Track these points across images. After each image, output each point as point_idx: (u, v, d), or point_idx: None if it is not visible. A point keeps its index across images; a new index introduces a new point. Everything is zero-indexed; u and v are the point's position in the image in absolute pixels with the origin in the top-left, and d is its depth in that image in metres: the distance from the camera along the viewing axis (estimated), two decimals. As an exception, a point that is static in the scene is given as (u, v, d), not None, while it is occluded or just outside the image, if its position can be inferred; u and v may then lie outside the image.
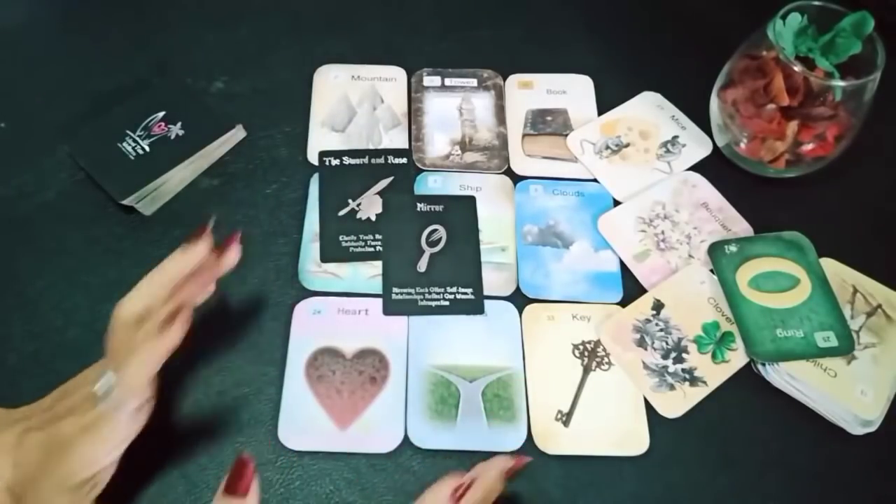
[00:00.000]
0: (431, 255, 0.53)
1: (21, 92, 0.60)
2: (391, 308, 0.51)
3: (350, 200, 0.55)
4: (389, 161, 0.57)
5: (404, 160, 0.57)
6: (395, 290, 0.51)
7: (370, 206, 0.55)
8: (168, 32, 0.64)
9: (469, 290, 0.51)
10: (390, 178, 0.56)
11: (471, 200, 0.56)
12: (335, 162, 0.57)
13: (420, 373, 0.49)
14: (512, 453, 0.44)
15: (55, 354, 0.48)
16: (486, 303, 0.52)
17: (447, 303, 0.51)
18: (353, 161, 0.57)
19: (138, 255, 0.53)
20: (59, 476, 0.38)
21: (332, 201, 0.55)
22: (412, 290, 0.51)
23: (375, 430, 0.46)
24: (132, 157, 0.55)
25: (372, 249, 0.53)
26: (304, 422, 0.46)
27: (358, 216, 0.54)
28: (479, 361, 0.49)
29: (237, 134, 0.58)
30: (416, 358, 0.49)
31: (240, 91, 0.61)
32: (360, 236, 0.53)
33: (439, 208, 0.55)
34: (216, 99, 0.60)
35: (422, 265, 0.52)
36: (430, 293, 0.51)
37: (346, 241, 0.53)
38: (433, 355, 0.49)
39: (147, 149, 0.55)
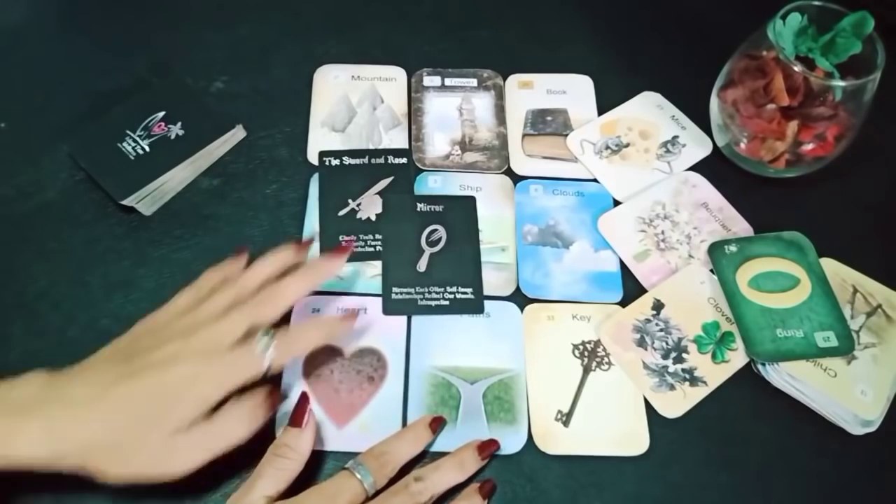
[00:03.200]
0: (431, 254, 0.53)
1: (21, 92, 0.60)
2: (391, 308, 0.51)
3: (350, 200, 0.55)
4: (389, 161, 0.57)
5: (404, 160, 0.57)
6: (395, 289, 0.51)
7: (370, 206, 0.55)
8: (168, 32, 0.64)
9: (469, 290, 0.51)
10: (390, 178, 0.56)
11: (470, 200, 0.56)
12: (335, 162, 0.57)
13: (420, 374, 0.49)
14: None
15: (55, 354, 0.48)
16: (488, 303, 0.52)
17: (447, 302, 0.51)
18: (353, 161, 0.57)
19: (138, 255, 0.53)
20: (170, 420, 0.40)
21: (331, 201, 0.55)
22: (412, 290, 0.51)
23: (373, 429, 0.46)
24: (132, 157, 0.55)
25: (372, 249, 0.53)
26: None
27: (358, 216, 0.54)
28: (481, 363, 0.49)
29: (237, 134, 0.58)
30: (416, 359, 0.49)
31: (240, 91, 0.61)
32: (360, 236, 0.53)
33: (439, 208, 0.55)
34: (216, 99, 0.60)
35: (421, 265, 0.52)
36: (429, 293, 0.51)
37: (347, 242, 0.53)
38: (434, 356, 0.49)
39: (147, 149, 0.55)
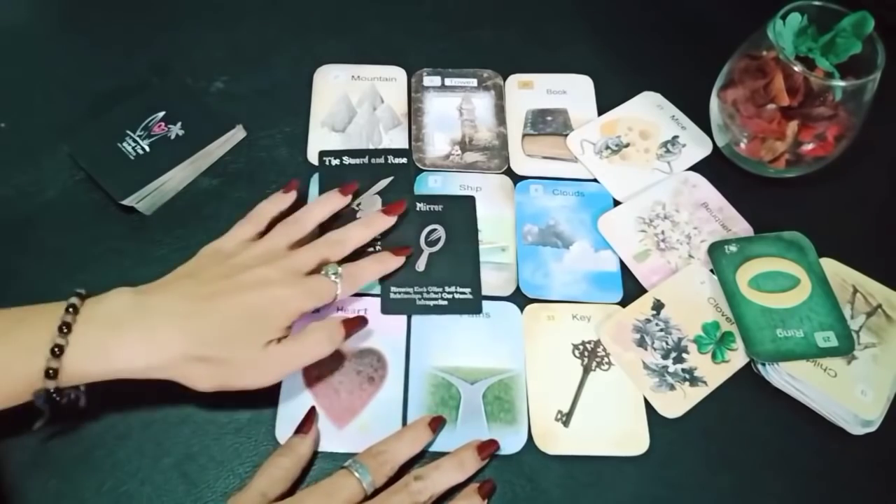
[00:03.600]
0: (430, 254, 0.53)
1: (21, 92, 0.60)
2: (389, 307, 0.51)
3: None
4: (389, 161, 0.57)
5: (404, 160, 0.57)
6: (394, 289, 0.51)
7: (370, 206, 0.55)
8: (168, 32, 0.64)
9: (467, 290, 0.51)
10: (390, 178, 0.56)
11: (470, 200, 0.56)
12: (335, 162, 0.56)
13: (420, 374, 0.49)
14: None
15: (55, 354, 0.48)
16: (488, 303, 0.52)
17: (445, 302, 0.51)
18: (353, 161, 0.57)
19: (138, 255, 0.53)
20: (263, 335, 0.43)
21: None
22: (410, 290, 0.51)
23: (373, 429, 0.46)
24: (132, 157, 0.55)
25: (373, 249, 0.53)
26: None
27: (358, 216, 0.54)
28: (481, 363, 0.49)
29: (237, 134, 0.58)
30: (416, 359, 0.49)
31: (240, 91, 0.61)
32: None
33: (438, 208, 0.55)
34: (216, 99, 0.60)
35: (420, 265, 0.52)
36: (428, 292, 0.51)
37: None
38: (434, 356, 0.49)
39: (147, 149, 0.55)
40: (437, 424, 0.46)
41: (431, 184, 0.57)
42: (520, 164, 0.58)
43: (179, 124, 0.57)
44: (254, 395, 0.46)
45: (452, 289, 0.51)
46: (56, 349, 0.39)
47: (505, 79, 0.63)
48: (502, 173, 0.58)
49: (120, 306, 0.42)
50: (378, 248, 0.53)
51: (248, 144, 0.58)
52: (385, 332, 0.50)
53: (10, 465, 0.44)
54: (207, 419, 0.47)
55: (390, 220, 0.52)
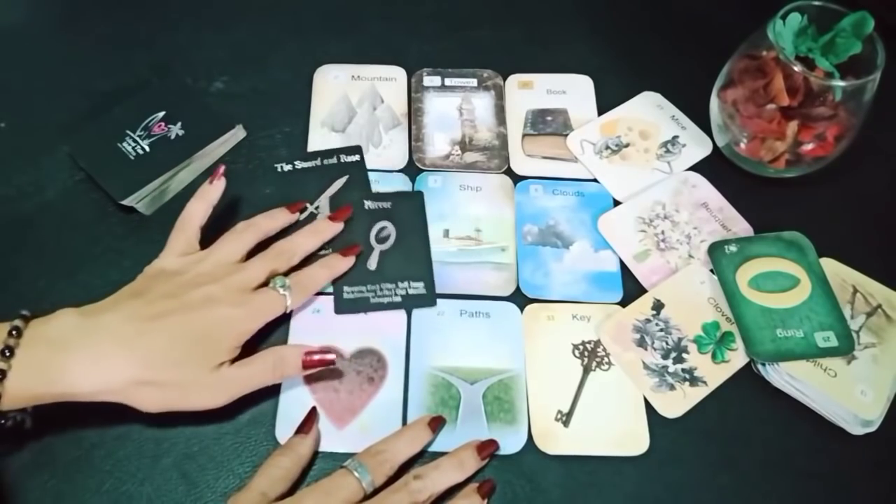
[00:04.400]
0: (381, 252, 0.53)
1: (21, 92, 0.60)
2: (343, 307, 0.50)
3: (308, 205, 0.55)
4: (342, 160, 0.57)
5: (357, 157, 0.57)
6: (347, 288, 0.51)
7: (327, 208, 0.54)
8: (168, 32, 0.64)
9: (420, 284, 0.51)
10: (345, 178, 0.56)
11: (418, 196, 0.56)
12: (287, 168, 0.56)
13: (420, 374, 0.49)
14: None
15: (55, 354, 0.48)
16: (489, 303, 0.52)
17: (399, 298, 0.51)
18: (305, 164, 0.56)
19: (138, 255, 0.52)
20: (213, 356, 0.43)
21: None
22: (363, 288, 0.51)
23: (373, 429, 0.46)
24: (132, 157, 0.55)
25: (324, 252, 0.52)
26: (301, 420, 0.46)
27: (318, 219, 0.54)
28: (481, 363, 0.49)
29: (237, 134, 0.58)
30: (416, 359, 0.49)
31: (240, 91, 0.61)
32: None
33: (387, 205, 0.55)
34: (216, 99, 0.60)
35: (372, 263, 0.52)
36: (381, 290, 0.51)
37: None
38: (434, 357, 0.49)
39: (147, 149, 0.55)
40: (436, 424, 0.46)
41: (431, 184, 0.57)
42: (520, 164, 0.58)
43: (179, 124, 0.57)
44: (254, 396, 0.46)
45: (405, 284, 0.51)
46: None
47: (505, 79, 0.63)
48: (502, 173, 0.58)
49: (65, 328, 0.41)
50: (329, 250, 0.52)
51: (248, 144, 0.58)
52: (385, 332, 0.50)
53: (10, 465, 0.44)
54: (207, 419, 0.46)
55: (338, 227, 0.52)
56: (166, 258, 0.47)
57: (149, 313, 0.42)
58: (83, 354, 0.40)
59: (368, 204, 0.54)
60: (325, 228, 0.52)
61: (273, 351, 0.45)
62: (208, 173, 0.56)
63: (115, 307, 0.43)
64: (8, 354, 0.39)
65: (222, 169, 0.51)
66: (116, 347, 0.41)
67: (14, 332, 0.40)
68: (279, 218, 0.51)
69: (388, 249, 0.53)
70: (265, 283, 0.47)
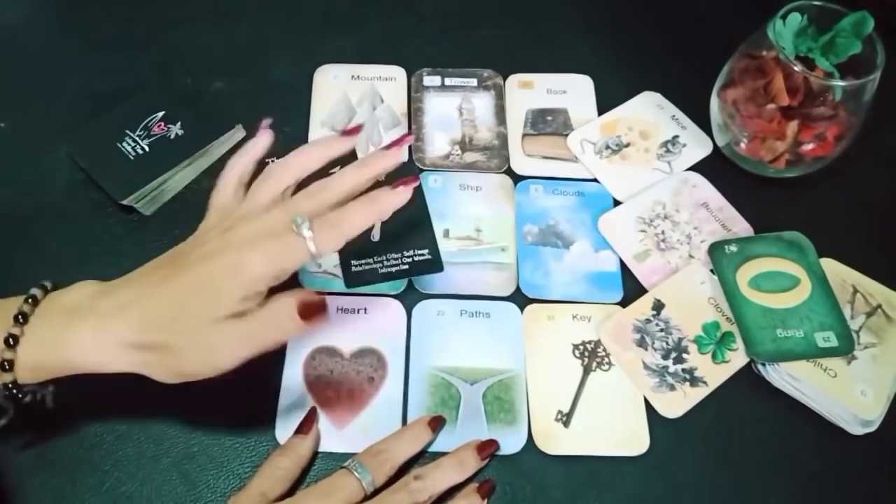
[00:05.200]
0: (383, 223, 0.53)
1: (21, 92, 0.60)
2: (352, 280, 0.51)
3: None
4: None
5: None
6: (354, 262, 0.51)
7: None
8: (168, 32, 0.64)
9: (425, 251, 0.52)
10: (337, 168, 0.56)
11: (411, 166, 0.56)
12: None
13: (420, 374, 0.49)
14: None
15: (55, 354, 0.48)
16: (489, 303, 0.52)
17: (406, 266, 0.51)
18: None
19: (138, 255, 0.52)
20: (210, 310, 0.38)
21: None
22: (371, 260, 0.51)
23: (373, 429, 0.46)
24: (132, 157, 0.55)
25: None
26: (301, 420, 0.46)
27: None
28: (481, 363, 0.49)
29: (237, 134, 0.58)
30: (416, 359, 0.49)
31: (240, 91, 0.61)
32: None
33: (381, 178, 0.55)
34: (216, 99, 0.60)
35: (375, 234, 0.53)
36: (388, 260, 0.51)
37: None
38: (434, 356, 0.49)
39: (147, 149, 0.55)
40: (436, 424, 0.46)
41: (431, 184, 0.57)
42: (520, 164, 0.58)
43: (179, 124, 0.57)
44: (254, 396, 0.46)
45: (410, 252, 0.52)
46: (10, 339, 0.38)
47: (505, 79, 0.63)
48: (502, 173, 0.58)
49: (79, 298, 0.40)
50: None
51: (248, 144, 0.58)
52: (385, 331, 0.50)
53: (11, 465, 0.44)
54: (207, 419, 0.46)
55: (396, 157, 0.43)
56: (204, 220, 0.43)
57: (156, 277, 0.40)
58: (89, 324, 0.39)
59: None
60: (378, 160, 0.42)
61: (287, 296, 0.39)
62: (208, 173, 0.56)
63: (130, 278, 0.41)
64: (21, 321, 0.38)
65: (265, 122, 0.45)
66: (118, 313, 0.39)
67: (30, 300, 0.39)
68: (332, 147, 0.43)
69: (388, 220, 0.53)
70: None
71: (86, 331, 0.39)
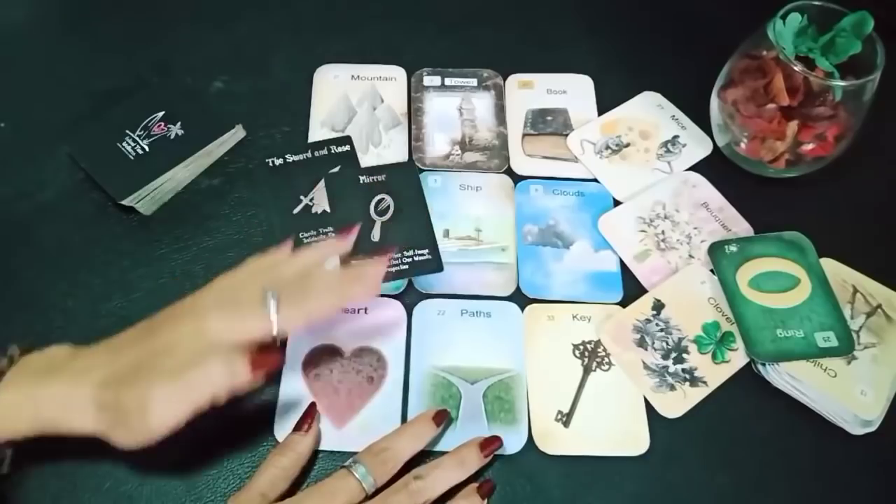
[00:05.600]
0: (383, 223, 0.53)
1: (21, 92, 0.60)
2: None
3: (302, 197, 0.55)
4: (333, 151, 0.57)
5: (347, 147, 0.57)
6: (353, 262, 0.51)
7: (323, 198, 0.55)
8: (168, 32, 0.64)
9: (425, 251, 0.52)
10: (337, 168, 0.56)
11: (411, 165, 0.57)
12: (279, 161, 0.56)
13: (421, 374, 0.49)
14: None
15: (55, 354, 0.48)
16: (489, 303, 0.52)
17: (406, 266, 0.52)
18: (296, 157, 0.57)
19: (138, 255, 0.53)
20: (156, 373, 0.38)
21: (283, 201, 0.55)
22: (370, 260, 0.51)
23: (373, 429, 0.46)
24: (132, 157, 0.55)
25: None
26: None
27: (313, 210, 0.54)
28: (481, 363, 0.49)
29: (237, 134, 0.58)
30: (416, 358, 0.49)
31: (240, 91, 0.61)
32: (320, 230, 0.53)
33: (382, 177, 0.55)
34: (216, 99, 0.60)
35: (375, 234, 0.53)
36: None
37: (308, 238, 0.53)
38: (434, 356, 0.49)
39: (147, 149, 0.55)
40: (441, 418, 0.45)
41: (431, 184, 0.57)
42: (520, 164, 0.58)
43: (179, 124, 0.57)
44: (253, 396, 0.46)
45: (410, 252, 0.52)
46: None
47: (505, 79, 0.63)
48: (502, 173, 0.58)
49: (53, 361, 0.41)
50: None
51: (248, 144, 0.58)
52: (385, 331, 0.50)
53: (10, 464, 0.44)
54: (207, 419, 0.46)
55: (348, 245, 0.47)
56: (190, 296, 0.43)
57: (130, 337, 0.41)
58: (62, 381, 0.39)
59: (363, 178, 0.55)
60: (340, 244, 0.47)
61: (213, 357, 0.39)
62: (208, 173, 0.56)
63: (107, 342, 0.42)
64: None
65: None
66: (89, 372, 0.40)
67: (6, 361, 0.40)
68: (321, 252, 0.46)
69: (388, 220, 0.53)
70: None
71: (58, 388, 0.39)
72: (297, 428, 0.44)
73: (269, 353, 0.41)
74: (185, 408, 0.38)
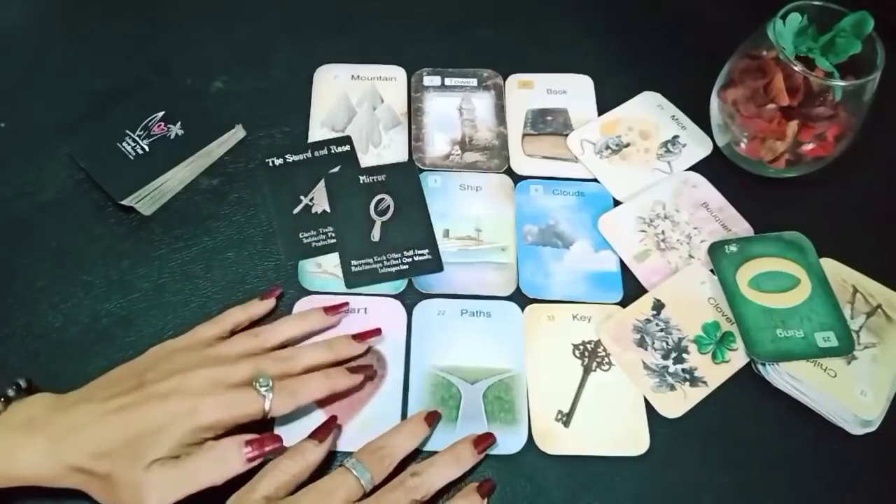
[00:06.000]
0: (383, 223, 0.53)
1: (21, 92, 0.60)
2: (353, 281, 0.51)
3: (302, 197, 0.55)
4: (333, 151, 0.57)
5: (347, 147, 0.57)
6: (354, 262, 0.51)
7: (323, 198, 0.55)
8: (168, 32, 0.64)
9: (425, 251, 0.52)
10: (337, 168, 0.56)
11: (411, 165, 0.57)
12: (279, 161, 0.56)
13: (420, 373, 0.49)
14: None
15: (55, 355, 0.48)
16: (489, 303, 0.52)
17: (406, 266, 0.52)
18: (296, 157, 0.57)
19: (138, 255, 0.53)
20: (150, 453, 0.39)
21: (283, 201, 0.55)
22: (370, 260, 0.52)
23: (372, 429, 0.46)
24: (132, 157, 0.55)
25: (334, 241, 0.53)
26: (301, 420, 0.46)
27: (313, 210, 0.54)
28: (481, 363, 0.49)
29: (237, 134, 0.58)
30: (416, 358, 0.49)
31: (240, 91, 0.61)
32: (320, 230, 0.54)
33: (382, 177, 0.55)
34: (216, 99, 0.60)
35: (375, 234, 0.53)
36: (388, 260, 0.52)
37: (307, 238, 0.53)
38: (434, 356, 0.49)
39: (147, 149, 0.55)
40: (432, 419, 0.46)
41: (431, 184, 0.57)
42: (520, 164, 0.58)
43: (179, 124, 0.57)
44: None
45: (410, 252, 0.52)
46: None
47: (505, 79, 0.63)
48: (502, 173, 0.58)
49: (35, 412, 0.41)
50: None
51: (248, 144, 0.58)
52: (385, 331, 0.50)
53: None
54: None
55: (360, 348, 0.48)
56: (180, 340, 0.46)
57: (115, 404, 0.41)
58: (42, 440, 0.39)
59: (363, 178, 0.55)
60: (344, 347, 0.47)
61: (212, 446, 0.41)
62: (208, 173, 0.56)
63: (90, 392, 0.42)
64: None
65: (276, 292, 0.50)
66: (71, 434, 0.40)
67: (13, 389, 0.41)
68: (310, 321, 0.48)
69: (388, 220, 0.53)
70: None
71: (37, 447, 0.39)
72: (313, 436, 0.43)
73: (267, 439, 0.41)
74: (181, 493, 0.39)
